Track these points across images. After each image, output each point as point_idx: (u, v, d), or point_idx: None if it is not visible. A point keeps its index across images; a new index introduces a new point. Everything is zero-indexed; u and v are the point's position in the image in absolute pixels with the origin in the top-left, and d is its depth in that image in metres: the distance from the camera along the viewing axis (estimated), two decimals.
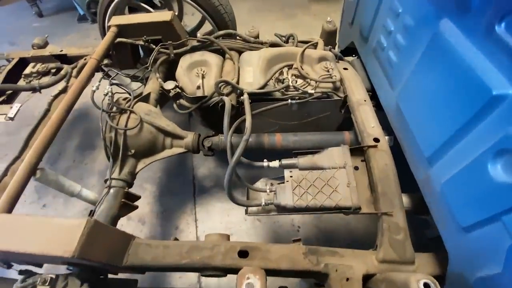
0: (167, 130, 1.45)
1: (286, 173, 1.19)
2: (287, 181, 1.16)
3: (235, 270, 0.92)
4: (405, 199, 1.22)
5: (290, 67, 1.57)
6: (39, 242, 0.78)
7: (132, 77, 1.58)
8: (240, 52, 1.72)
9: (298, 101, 1.41)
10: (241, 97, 1.39)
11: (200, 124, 1.72)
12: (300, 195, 1.10)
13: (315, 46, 1.71)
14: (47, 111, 1.50)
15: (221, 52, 1.72)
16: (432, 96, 0.96)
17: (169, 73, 1.74)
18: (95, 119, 2.47)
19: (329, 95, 1.47)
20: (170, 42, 1.58)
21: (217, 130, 1.65)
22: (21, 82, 1.76)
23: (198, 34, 2.20)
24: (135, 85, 2.09)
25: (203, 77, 1.56)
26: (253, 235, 1.72)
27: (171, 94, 1.51)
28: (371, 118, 1.32)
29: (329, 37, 1.78)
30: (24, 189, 0.99)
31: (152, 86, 1.64)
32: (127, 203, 1.28)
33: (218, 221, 1.78)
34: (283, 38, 1.87)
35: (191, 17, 3.19)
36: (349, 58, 1.86)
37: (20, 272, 0.85)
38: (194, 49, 1.68)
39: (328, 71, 1.51)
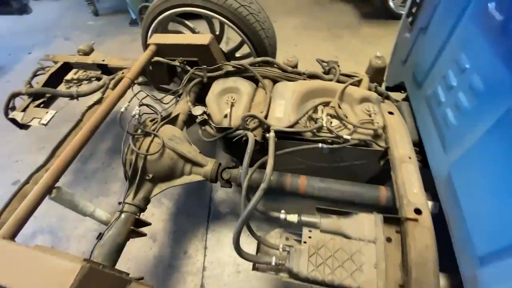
0: (188, 156, 1.39)
1: (305, 232, 1.06)
2: (305, 242, 1.03)
3: None
4: (442, 281, 1.02)
5: (326, 104, 1.43)
6: (30, 280, 0.74)
7: (161, 100, 1.56)
8: (275, 81, 1.63)
9: (330, 146, 1.27)
10: (267, 134, 1.28)
11: (223, 151, 1.65)
12: (317, 266, 0.96)
13: (358, 82, 1.55)
14: (79, 121, 1.54)
15: (255, 79, 1.64)
16: (502, 182, 0.76)
17: (201, 94, 1.71)
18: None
19: (368, 143, 1.30)
20: (205, 66, 1.54)
21: (240, 160, 1.57)
22: (62, 87, 1.85)
23: (237, 55, 2.18)
24: (169, 98, 2.10)
25: (232, 105, 1.49)
26: (263, 280, 1.59)
27: (197, 120, 1.46)
28: (414, 180, 1.14)
29: (376, 74, 1.61)
30: (34, 211, 0.99)
31: (182, 107, 1.61)
32: (135, 230, 1.24)
33: (228, 253, 1.69)
34: (324, 64, 1.74)
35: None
36: (396, 94, 1.67)
37: None
38: (228, 74, 1.62)
39: (370, 115, 1.35)
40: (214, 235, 1.79)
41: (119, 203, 1.27)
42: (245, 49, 2.01)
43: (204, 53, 1.57)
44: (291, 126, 1.32)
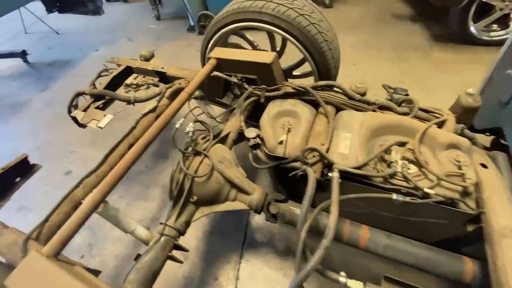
0: (235, 182, 1.28)
1: None
2: None
3: None
4: None
5: (402, 145, 1.22)
6: None
7: (216, 119, 1.48)
8: (338, 109, 1.46)
9: (407, 200, 1.05)
10: (330, 174, 1.11)
11: (270, 177, 1.51)
12: None
13: (441, 122, 1.31)
14: (133, 128, 1.53)
15: (315, 104, 1.48)
16: None
17: (254, 112, 1.60)
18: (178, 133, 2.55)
19: (455, 202, 1.06)
20: (264, 86, 1.43)
21: (289, 193, 1.42)
22: (121, 90, 1.88)
23: (295, 73, 2.05)
24: (219, 109, 2.05)
25: (288, 131, 1.35)
26: None
27: (249, 144, 1.35)
28: None
29: (464, 114, 1.34)
30: (80, 228, 0.94)
31: (234, 124, 1.52)
32: (173, 257, 1.16)
33: None
34: (391, 91, 1.52)
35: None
36: (479, 136, 1.38)
37: None
38: (286, 96, 1.50)
39: (459, 167, 1.10)
40: (248, 265, 1.65)
41: (161, 223, 1.20)
42: (305, 68, 1.87)
43: (265, 72, 1.47)
44: (359, 168, 1.13)
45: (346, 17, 3.82)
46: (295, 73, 2.02)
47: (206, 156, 1.26)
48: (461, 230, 1.12)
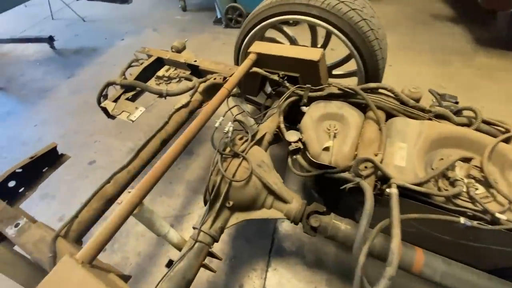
0: (273, 189, 1.18)
1: None
2: None
3: None
4: None
5: (466, 160, 1.09)
6: None
7: (257, 120, 1.39)
8: (389, 115, 1.33)
9: (476, 225, 0.92)
10: (388, 190, 1.00)
11: (309, 187, 1.41)
12: None
13: (509, 139, 1.16)
14: (165, 123, 1.45)
15: (362, 107, 1.36)
16: None
17: (290, 113, 1.50)
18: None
19: None
20: (309, 86, 1.32)
21: (327, 204, 1.31)
22: (152, 81, 1.81)
23: (335, 72, 1.92)
24: (251, 108, 1.95)
25: (334, 136, 1.24)
26: None
27: (290, 148, 1.25)
28: None
29: None
30: (117, 232, 0.87)
31: (270, 125, 1.42)
32: (206, 265, 1.08)
33: None
34: (438, 97, 1.38)
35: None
36: None
37: None
38: (330, 97, 1.38)
39: None
40: (275, 275, 1.56)
41: (193, 228, 1.12)
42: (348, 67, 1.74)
43: (310, 70, 1.35)
44: (420, 184, 1.01)
45: (380, 16, 3.61)
46: (335, 72, 1.89)
47: (244, 159, 1.17)
48: None
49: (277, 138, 1.46)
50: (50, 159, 1.48)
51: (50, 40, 3.86)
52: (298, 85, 1.37)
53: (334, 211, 1.17)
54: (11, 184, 1.34)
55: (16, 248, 1.08)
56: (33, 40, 3.92)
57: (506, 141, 1.16)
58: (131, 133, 2.54)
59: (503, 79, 2.48)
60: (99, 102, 1.71)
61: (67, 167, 2.23)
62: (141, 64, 1.85)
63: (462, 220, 0.93)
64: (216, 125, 1.15)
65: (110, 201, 1.19)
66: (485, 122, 1.25)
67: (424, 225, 1.10)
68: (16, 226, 1.06)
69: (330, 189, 1.23)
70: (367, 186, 0.98)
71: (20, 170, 1.35)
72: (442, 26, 3.29)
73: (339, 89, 1.36)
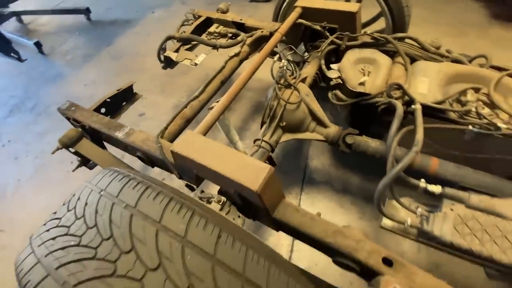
0: (317, 115, 1.48)
1: (447, 204, 1.05)
2: (445, 212, 1.03)
3: (372, 273, 0.88)
4: None
5: (476, 90, 1.36)
6: (228, 167, 0.90)
7: (302, 61, 1.66)
8: (413, 60, 1.59)
9: (482, 131, 1.21)
10: (412, 106, 1.28)
11: (344, 120, 1.69)
12: (464, 235, 0.96)
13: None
14: (222, 67, 1.74)
15: (390, 55, 1.62)
16: None
17: (328, 62, 1.77)
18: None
19: None
20: (348, 33, 1.58)
21: (361, 131, 1.59)
22: (203, 37, 2.09)
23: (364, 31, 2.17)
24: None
25: (368, 75, 1.52)
26: None
27: (332, 83, 1.54)
28: None
29: None
30: (215, 123, 1.19)
31: (309, 71, 1.70)
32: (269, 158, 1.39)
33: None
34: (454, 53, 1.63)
35: None
36: None
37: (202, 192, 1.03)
38: (364, 46, 1.64)
39: None
40: (308, 197, 1.89)
41: (255, 140, 1.43)
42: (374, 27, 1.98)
43: (348, 21, 1.62)
44: (439, 103, 1.29)
45: None
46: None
47: (295, 89, 1.46)
48: None
49: (315, 83, 1.75)
50: (127, 96, 1.81)
51: (87, 11, 4.14)
52: (338, 33, 1.63)
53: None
54: (102, 110, 1.67)
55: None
56: (71, 12, 4.20)
57: (510, 76, 1.42)
58: (173, 91, 2.85)
59: None
60: (159, 54, 2.00)
61: (121, 118, 2.55)
62: (195, 21, 2.13)
63: (470, 127, 1.21)
64: (275, 59, 1.43)
65: (188, 121, 1.51)
66: (494, 67, 1.51)
67: (438, 142, 1.39)
68: (122, 131, 1.39)
69: (362, 116, 1.52)
70: (398, 103, 1.27)
71: (109, 100, 1.68)
72: (460, 1, 3.46)
73: (372, 38, 1.62)
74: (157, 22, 3.98)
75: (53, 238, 0.65)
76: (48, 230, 0.68)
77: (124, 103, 1.82)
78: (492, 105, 1.28)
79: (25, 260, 0.65)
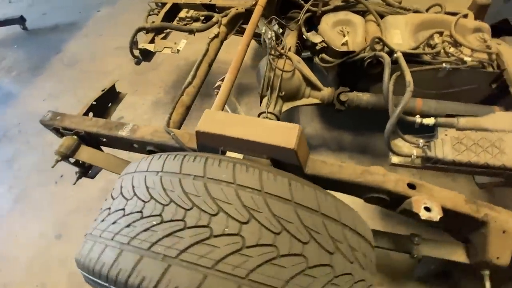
0: (311, 79, 1.57)
1: (441, 131, 1.23)
2: (442, 138, 1.21)
3: (400, 199, 1.02)
4: None
5: (440, 34, 1.55)
6: (259, 134, 0.94)
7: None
8: (381, 16, 1.74)
9: (454, 66, 1.40)
10: (394, 55, 1.43)
11: (332, 81, 1.80)
12: (461, 151, 1.14)
13: (465, 17, 1.64)
14: (207, 50, 1.73)
15: (361, 15, 1.76)
16: None
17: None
18: None
19: (484, 65, 1.43)
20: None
21: (350, 88, 1.72)
22: (174, 24, 2.02)
23: None
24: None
25: (347, 35, 1.63)
26: None
27: (317, 47, 1.63)
28: None
29: (479, 11, 1.69)
30: (228, 96, 1.21)
31: (290, 41, 1.77)
32: None
33: None
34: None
35: None
36: None
37: None
38: (336, 9, 1.75)
39: (485, 41, 1.46)
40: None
41: (260, 113, 1.47)
42: None
43: None
44: (415, 49, 1.46)
45: None
46: None
47: (288, 57, 1.53)
48: (487, 92, 1.51)
49: (298, 53, 1.83)
50: (111, 96, 1.71)
51: (21, 20, 3.66)
52: (312, 0, 1.71)
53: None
54: (90, 115, 1.57)
55: None
56: (3, 23, 3.68)
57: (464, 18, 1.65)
58: (147, 89, 2.72)
59: None
60: (131, 48, 1.90)
61: None
62: (162, 10, 2.04)
63: (444, 64, 1.41)
64: (263, 31, 1.47)
65: (188, 108, 1.50)
66: (448, 13, 1.72)
67: (417, 84, 1.57)
68: (126, 129, 1.33)
69: (350, 74, 1.64)
70: (383, 53, 1.40)
71: (95, 103, 1.59)
72: None
73: (343, 0, 1.73)
74: (106, 20, 3.68)
75: (128, 225, 0.66)
76: (125, 222, 0.68)
77: (110, 104, 1.72)
78: (456, 44, 1.48)
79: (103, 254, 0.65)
